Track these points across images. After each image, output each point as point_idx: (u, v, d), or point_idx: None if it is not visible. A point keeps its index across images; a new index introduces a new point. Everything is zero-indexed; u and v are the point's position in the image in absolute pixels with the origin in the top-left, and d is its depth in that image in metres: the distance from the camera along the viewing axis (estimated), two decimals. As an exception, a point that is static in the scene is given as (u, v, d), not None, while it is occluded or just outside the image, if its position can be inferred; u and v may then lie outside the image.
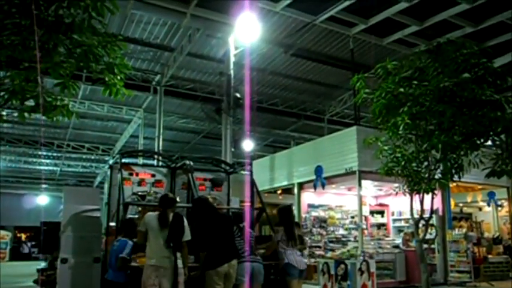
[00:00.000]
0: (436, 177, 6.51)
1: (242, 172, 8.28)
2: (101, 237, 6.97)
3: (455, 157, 6.41)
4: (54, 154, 23.61)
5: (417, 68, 6.60)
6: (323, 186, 12.20)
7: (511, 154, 6.19)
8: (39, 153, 23.54)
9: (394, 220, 14.33)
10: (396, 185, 6.98)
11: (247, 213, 6.51)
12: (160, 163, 8.68)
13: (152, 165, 8.78)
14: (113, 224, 6.62)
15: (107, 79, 4.77)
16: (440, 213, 12.42)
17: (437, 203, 11.51)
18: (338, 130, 14.60)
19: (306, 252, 10.53)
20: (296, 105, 18.04)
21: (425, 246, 7.29)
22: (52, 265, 9.14)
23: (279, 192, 15.21)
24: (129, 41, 12.43)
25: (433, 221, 10.69)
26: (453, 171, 6.47)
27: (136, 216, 6.79)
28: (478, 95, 5.89)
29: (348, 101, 17.14)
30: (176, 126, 19.42)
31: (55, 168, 26.96)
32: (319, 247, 12.67)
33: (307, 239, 11.90)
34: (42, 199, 31.58)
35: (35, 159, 24.96)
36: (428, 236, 8.42)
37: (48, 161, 25.41)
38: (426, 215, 6.72)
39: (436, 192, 6.64)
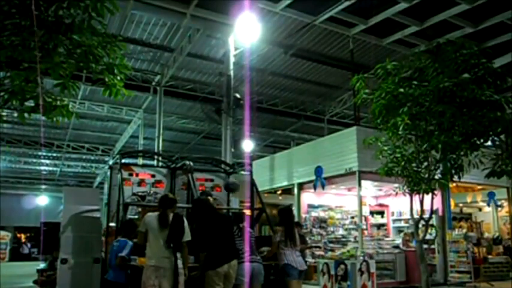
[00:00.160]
0: (436, 177, 6.52)
1: (242, 172, 8.28)
2: (101, 237, 6.97)
3: (455, 157, 6.42)
4: (54, 154, 23.63)
5: (417, 68, 6.62)
6: (323, 186, 12.20)
7: (511, 154, 6.19)
8: (39, 153, 23.55)
9: (394, 220, 14.33)
10: (396, 185, 6.99)
11: (247, 214, 6.52)
12: (160, 163, 8.68)
13: (152, 166, 8.78)
14: (112, 224, 6.62)
15: (106, 79, 4.77)
16: (440, 213, 12.42)
17: (437, 203, 11.50)
18: (338, 130, 14.59)
19: (308, 251, 10.54)
20: (296, 106, 18.05)
21: (425, 246, 7.30)
22: (52, 265, 9.14)
23: (278, 192, 15.21)
24: (129, 42, 12.44)
25: (433, 221, 10.70)
26: (453, 171, 6.48)
27: (136, 216, 6.80)
28: (477, 96, 5.90)
29: (347, 102, 17.14)
30: (176, 127, 19.42)
31: (55, 168, 26.98)
32: (319, 247, 12.67)
33: (307, 239, 11.89)
34: (42, 199, 31.59)
35: (35, 160, 24.98)
36: (428, 237, 8.45)
37: (48, 161, 25.43)
38: (426, 215, 6.72)
39: (436, 192, 6.65)
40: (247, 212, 7.11)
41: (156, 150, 15.18)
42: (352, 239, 12.94)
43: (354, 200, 12.97)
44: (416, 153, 6.57)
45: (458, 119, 5.99)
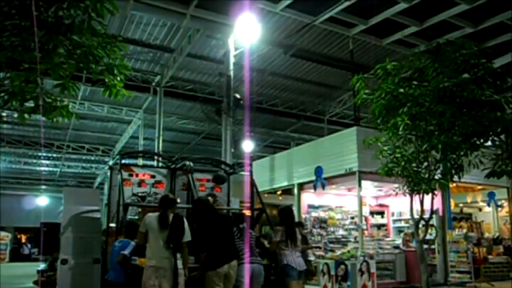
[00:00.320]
0: (436, 177, 6.52)
1: (242, 173, 8.27)
2: (101, 238, 6.97)
3: (455, 157, 6.42)
4: (54, 155, 23.63)
5: (417, 68, 6.62)
6: (323, 186, 12.19)
7: (511, 154, 6.19)
8: (39, 154, 23.55)
9: (394, 220, 14.33)
10: (396, 185, 6.98)
11: (247, 214, 6.51)
12: (160, 164, 8.68)
13: (152, 166, 8.77)
14: (113, 224, 6.62)
15: (106, 80, 4.77)
16: (440, 213, 12.42)
17: (437, 204, 11.50)
18: (338, 131, 14.59)
19: (310, 251, 10.52)
20: (296, 106, 18.05)
21: (425, 246, 7.29)
22: (52, 266, 9.15)
23: (278, 193, 15.20)
24: (129, 42, 12.44)
25: (433, 221, 10.68)
26: (453, 171, 6.48)
27: (137, 217, 6.79)
28: (477, 96, 5.90)
29: (347, 102, 17.14)
30: (176, 127, 19.43)
31: (55, 169, 26.98)
32: (319, 247, 12.67)
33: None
34: (42, 200, 31.57)
35: (35, 160, 24.99)
36: (428, 237, 8.44)
37: (48, 162, 25.44)
38: (426, 216, 6.72)
39: (436, 192, 6.65)
40: (247, 212, 7.11)
41: (156, 151, 15.18)
42: (353, 239, 12.94)
43: (354, 200, 12.97)
44: (416, 153, 6.57)
45: (458, 119, 5.99)
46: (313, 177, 12.38)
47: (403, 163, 6.55)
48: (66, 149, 22.15)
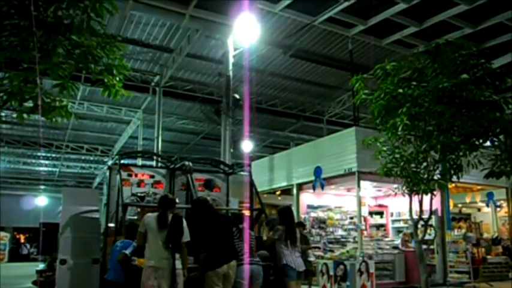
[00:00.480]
0: (435, 177, 6.52)
1: (241, 173, 8.28)
2: (100, 238, 6.96)
3: (454, 158, 6.42)
4: (53, 155, 23.60)
5: (416, 68, 6.63)
6: (322, 187, 12.19)
7: (510, 155, 6.20)
8: (38, 154, 23.52)
9: (393, 221, 14.34)
10: (395, 185, 6.98)
11: (247, 215, 6.51)
12: (159, 164, 8.68)
13: (151, 166, 8.77)
14: (112, 225, 6.62)
15: (106, 80, 4.77)
16: (439, 213, 12.42)
17: (436, 204, 11.50)
18: (337, 131, 14.58)
19: (311, 252, 10.53)
20: (295, 106, 18.05)
21: (424, 246, 7.30)
22: (51, 266, 9.14)
23: (278, 193, 15.21)
24: (128, 42, 12.43)
25: (432, 221, 10.69)
26: (452, 171, 6.49)
27: (136, 217, 6.79)
28: (476, 96, 5.91)
29: (347, 102, 17.14)
30: (175, 127, 19.41)
31: (54, 169, 26.95)
32: (319, 248, 12.68)
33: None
34: (41, 200, 31.54)
35: (34, 160, 24.95)
36: (427, 237, 8.44)
37: (47, 162, 25.40)
38: (425, 216, 6.72)
39: (435, 192, 6.65)
40: (247, 212, 7.11)
41: (155, 151, 15.17)
42: (352, 240, 12.94)
43: (353, 201, 12.97)
44: (415, 153, 6.57)
45: (457, 120, 6.00)
46: (313, 178, 12.39)
47: (402, 163, 6.56)
48: (65, 149, 22.13)
